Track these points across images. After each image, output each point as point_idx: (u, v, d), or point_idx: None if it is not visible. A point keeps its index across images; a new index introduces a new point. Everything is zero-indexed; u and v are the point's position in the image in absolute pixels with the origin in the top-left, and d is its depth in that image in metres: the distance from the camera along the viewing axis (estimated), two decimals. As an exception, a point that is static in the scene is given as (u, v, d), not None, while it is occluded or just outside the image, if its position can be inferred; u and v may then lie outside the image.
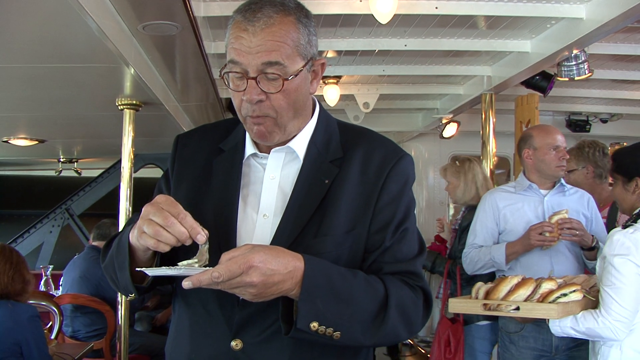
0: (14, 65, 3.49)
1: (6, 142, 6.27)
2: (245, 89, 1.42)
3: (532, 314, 2.60)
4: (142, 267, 1.36)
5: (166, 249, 1.32)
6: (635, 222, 2.66)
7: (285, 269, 1.29)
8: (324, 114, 1.62)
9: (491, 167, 5.44)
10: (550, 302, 2.55)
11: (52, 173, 9.24)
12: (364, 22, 4.10)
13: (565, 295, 2.57)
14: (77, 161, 8.62)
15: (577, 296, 2.59)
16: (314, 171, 1.51)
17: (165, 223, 1.30)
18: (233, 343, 1.42)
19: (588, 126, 7.58)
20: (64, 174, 9.10)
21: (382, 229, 1.49)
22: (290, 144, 1.54)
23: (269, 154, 1.55)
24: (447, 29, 4.43)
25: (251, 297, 1.29)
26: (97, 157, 8.55)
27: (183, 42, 3.43)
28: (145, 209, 1.33)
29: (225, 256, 1.27)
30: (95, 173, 8.65)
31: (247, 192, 1.54)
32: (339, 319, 1.34)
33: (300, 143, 1.55)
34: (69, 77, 3.78)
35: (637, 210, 2.77)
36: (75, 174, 9.12)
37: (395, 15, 3.62)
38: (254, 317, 1.42)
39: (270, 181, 1.53)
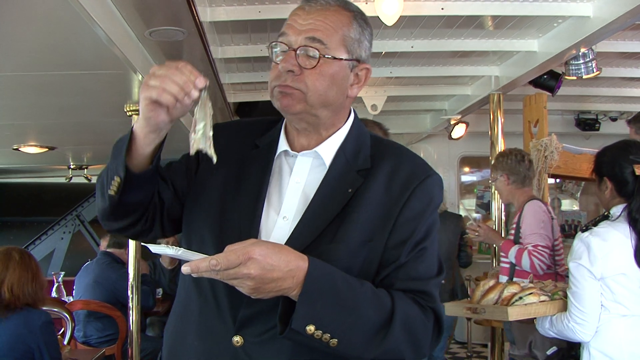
0: (23, 74, 3.51)
1: (17, 149, 6.31)
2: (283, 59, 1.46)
3: (492, 316, 2.80)
4: (141, 168, 1.41)
5: (170, 100, 1.31)
6: (595, 225, 2.66)
7: (287, 267, 1.27)
8: (358, 124, 1.62)
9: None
10: (510, 305, 2.72)
11: (62, 180, 9.29)
12: (371, 24, 4.08)
13: (521, 298, 2.73)
14: (87, 168, 8.65)
15: (533, 299, 2.74)
16: (338, 179, 1.50)
17: (168, 72, 1.31)
18: (235, 339, 1.41)
19: (597, 125, 7.54)
20: (74, 180, 9.14)
21: (400, 244, 1.46)
22: (318, 148, 1.54)
23: (300, 152, 1.55)
24: (454, 29, 4.43)
25: (249, 290, 1.27)
26: (107, 163, 8.58)
27: (190, 48, 3.45)
28: (151, 70, 1.34)
29: (228, 247, 1.26)
30: (105, 179, 8.69)
31: (271, 192, 1.54)
32: (338, 326, 1.32)
33: (329, 149, 1.55)
34: (77, 84, 3.81)
35: (601, 214, 2.77)
36: (86, 181, 9.16)
37: (401, 16, 3.63)
38: (259, 316, 1.40)
39: (295, 185, 1.53)
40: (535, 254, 3.71)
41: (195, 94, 1.34)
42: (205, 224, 1.53)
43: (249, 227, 1.48)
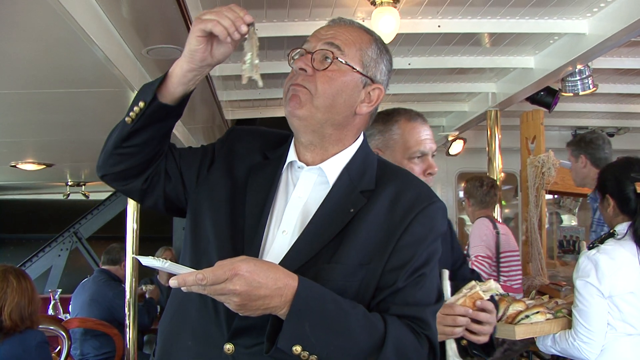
0: (22, 91, 3.52)
1: (14, 166, 6.30)
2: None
3: (499, 334, 2.71)
4: (166, 108, 1.50)
5: (222, 32, 1.40)
6: (602, 243, 2.65)
7: (274, 285, 1.26)
8: (366, 148, 1.63)
9: (498, 183, 5.42)
10: (516, 323, 2.71)
11: (60, 197, 9.28)
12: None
13: (527, 317, 2.71)
14: (84, 184, 8.65)
15: (540, 318, 2.72)
16: (341, 198, 1.50)
17: (222, 9, 1.43)
18: (227, 346, 1.40)
19: (594, 140, 7.54)
20: (72, 197, 9.13)
21: (398, 268, 1.43)
22: (323, 165, 1.55)
23: (308, 165, 1.56)
24: (451, 46, 4.45)
25: (235, 307, 1.26)
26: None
27: (187, 65, 3.45)
28: (200, 13, 1.45)
29: (218, 262, 1.26)
30: (103, 196, 8.69)
31: (275, 205, 1.55)
32: (326, 348, 1.30)
33: (334, 167, 1.55)
34: (75, 102, 3.81)
35: (606, 232, 2.77)
36: (83, 198, 9.15)
37: (398, 34, 3.64)
38: (252, 328, 1.38)
39: (297, 199, 1.53)
40: (477, 263, 4.17)
41: (244, 28, 1.43)
42: (213, 228, 1.54)
43: (252, 238, 1.49)
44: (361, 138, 1.63)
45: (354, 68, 1.51)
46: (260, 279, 1.25)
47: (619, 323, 2.55)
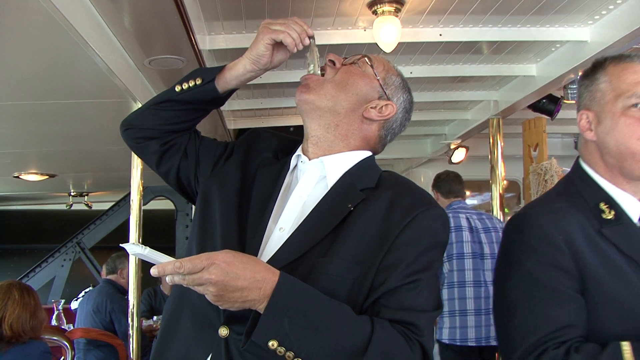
0: (24, 102, 3.53)
1: (17, 177, 6.32)
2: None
3: None
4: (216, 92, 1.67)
5: (291, 42, 1.57)
6: None
7: (253, 277, 1.26)
8: (373, 162, 1.66)
9: (501, 191, 5.42)
10: None
11: (62, 207, 9.29)
12: (369, 51, 4.02)
13: None
14: (87, 195, 8.67)
15: None
16: (340, 196, 1.51)
17: (289, 22, 1.58)
18: (222, 330, 1.40)
19: (597, 148, 7.53)
20: (75, 207, 9.14)
21: (391, 267, 1.41)
22: (325, 159, 1.59)
23: (310, 160, 1.61)
24: (452, 55, 4.45)
25: (213, 298, 1.26)
26: (107, 190, 8.61)
27: (189, 76, 3.46)
28: (265, 21, 1.60)
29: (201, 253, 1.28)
30: (106, 206, 8.69)
31: (278, 203, 1.58)
32: (306, 346, 1.27)
33: (336, 166, 1.58)
34: (77, 113, 3.82)
35: None
36: (86, 208, 9.16)
37: (399, 43, 3.64)
38: (246, 314, 1.34)
39: (297, 198, 1.55)
40: None
41: (307, 41, 1.60)
42: (221, 215, 1.58)
43: (254, 230, 1.52)
44: (370, 153, 1.66)
45: (375, 75, 1.63)
46: (237, 270, 1.25)
47: None
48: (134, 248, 1.33)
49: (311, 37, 1.60)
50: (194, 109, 1.71)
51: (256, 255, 1.47)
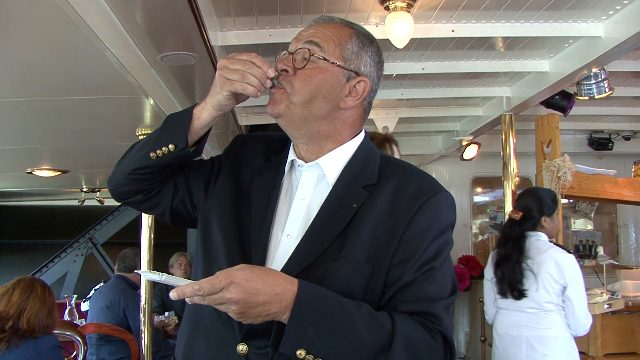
0: (37, 99, 3.54)
1: (30, 173, 6.35)
2: None
3: None
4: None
5: (252, 91, 1.47)
6: None
7: (273, 290, 1.26)
8: (368, 144, 1.62)
9: (513, 187, 5.39)
10: None
11: (75, 203, 9.34)
12: (381, 47, 4.07)
13: None
14: (99, 191, 8.69)
15: None
16: (343, 195, 1.49)
17: (245, 67, 1.46)
18: (240, 347, 1.39)
19: (610, 144, 7.48)
20: (87, 203, 9.19)
21: (404, 262, 1.41)
22: (320, 161, 1.55)
23: (306, 162, 1.57)
24: (465, 51, 4.43)
25: (235, 315, 1.27)
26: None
27: (201, 72, 3.47)
28: (220, 63, 1.49)
29: (218, 272, 1.27)
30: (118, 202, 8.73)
31: (279, 208, 1.55)
32: (332, 351, 1.29)
33: (333, 164, 1.55)
34: (90, 109, 3.83)
35: None
36: (98, 204, 9.20)
37: (412, 39, 3.63)
38: (265, 329, 1.36)
39: (300, 202, 1.53)
40: None
41: (269, 83, 1.49)
42: (221, 234, 1.55)
43: (258, 240, 1.49)
44: (362, 135, 1.62)
45: (333, 63, 1.51)
46: (257, 285, 1.25)
47: None
48: (151, 276, 1.33)
49: (273, 79, 1.51)
50: (175, 166, 1.67)
51: (264, 263, 1.47)
